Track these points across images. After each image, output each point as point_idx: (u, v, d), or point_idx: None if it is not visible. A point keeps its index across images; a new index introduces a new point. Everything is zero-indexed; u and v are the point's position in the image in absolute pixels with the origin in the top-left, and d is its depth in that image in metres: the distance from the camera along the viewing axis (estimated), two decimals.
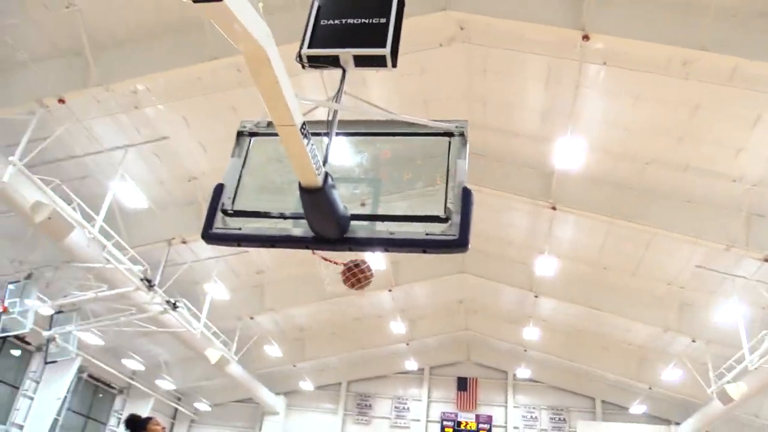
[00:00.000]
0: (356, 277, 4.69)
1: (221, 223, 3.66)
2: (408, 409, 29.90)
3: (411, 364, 28.53)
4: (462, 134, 3.66)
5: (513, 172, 16.05)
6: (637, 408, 26.23)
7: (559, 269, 18.42)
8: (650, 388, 24.91)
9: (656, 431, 26.80)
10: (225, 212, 3.63)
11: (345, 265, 4.89)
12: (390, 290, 21.85)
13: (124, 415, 24.91)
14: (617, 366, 25.02)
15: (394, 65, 3.98)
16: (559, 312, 22.68)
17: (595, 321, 21.92)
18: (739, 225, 14.39)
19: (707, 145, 13.49)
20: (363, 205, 3.25)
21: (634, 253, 17.48)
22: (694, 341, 19.64)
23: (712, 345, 18.94)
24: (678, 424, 25.82)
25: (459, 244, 2.81)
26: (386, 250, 3.11)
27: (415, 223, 2.91)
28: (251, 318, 22.17)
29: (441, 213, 2.88)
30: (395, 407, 29.98)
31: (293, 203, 3.37)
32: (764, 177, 13.42)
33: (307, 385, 28.98)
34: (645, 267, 17.86)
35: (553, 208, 16.00)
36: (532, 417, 29.15)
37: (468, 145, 3.64)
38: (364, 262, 4.83)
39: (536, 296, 21.48)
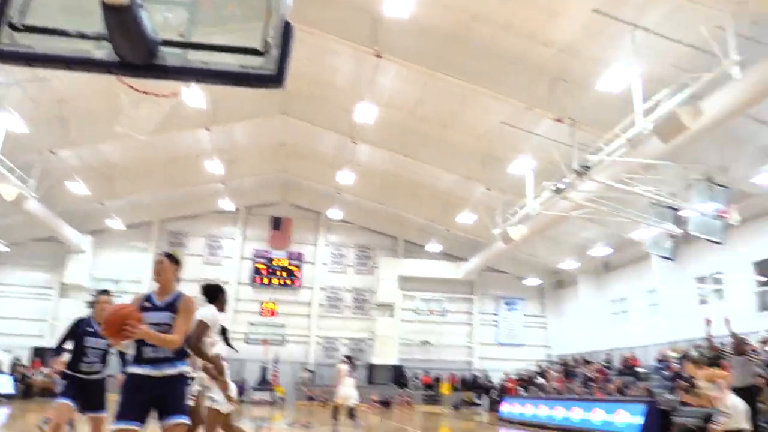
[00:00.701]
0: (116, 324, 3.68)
1: (8, 39, 3.16)
2: (221, 247, 30.33)
3: (226, 204, 28.45)
4: None
5: (343, 16, 15.63)
6: (434, 246, 29.08)
7: (378, 117, 18.82)
8: (447, 230, 27.59)
9: (448, 266, 30.28)
10: (13, 27, 3.13)
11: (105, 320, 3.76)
12: (208, 129, 21.04)
13: None
14: (422, 210, 27.17)
15: None
16: (374, 158, 23.63)
17: (408, 168, 23.24)
18: (543, 87, 15.61)
19: (528, 6, 14.02)
20: (181, 36, 2.98)
21: (449, 106, 18.38)
22: (489, 189, 21.79)
23: (504, 193, 21.14)
24: (466, 260, 29.21)
25: (275, 79, 2.71)
26: (198, 81, 2.92)
27: (231, 55, 2.74)
28: (53, 152, 20.27)
29: (259, 46, 2.74)
30: (209, 245, 30.22)
31: (97, 23, 3.00)
32: (572, 44, 14.41)
33: (116, 224, 27.74)
34: (458, 120, 18.95)
35: (378, 56, 16.04)
36: (340, 254, 31.20)
37: None
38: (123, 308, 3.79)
39: (354, 142, 22.06)
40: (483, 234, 24.28)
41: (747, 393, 8.32)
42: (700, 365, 7.51)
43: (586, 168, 15.19)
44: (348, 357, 12.34)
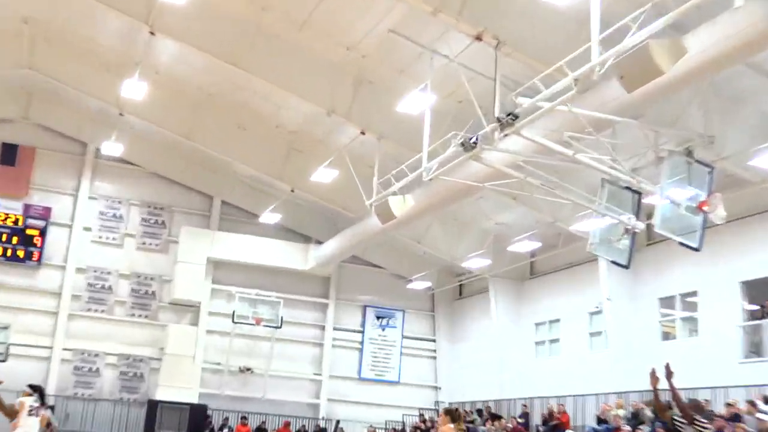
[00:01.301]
0: None
1: None
2: None
3: None
4: None
5: None
6: (269, 216, 29.42)
7: None
8: (293, 191, 27.74)
9: (290, 249, 30.70)
10: None
11: None
12: None
13: None
14: (256, 155, 27.17)
15: None
16: (183, 62, 23.31)
17: (236, 85, 23.18)
18: None
19: None
20: None
21: None
22: (363, 133, 22.11)
23: (386, 142, 21.57)
24: (319, 242, 29.62)
25: None
26: None
27: None
28: None
29: None
30: None
31: None
32: None
33: None
34: (321, 18, 19.03)
35: None
36: (114, 216, 30.61)
37: None
38: None
39: (153, 33, 21.55)
40: (349, 203, 24.76)
41: None
42: (444, 420, 9.91)
43: (514, 116, 15.66)
44: (34, 386, 12.66)
